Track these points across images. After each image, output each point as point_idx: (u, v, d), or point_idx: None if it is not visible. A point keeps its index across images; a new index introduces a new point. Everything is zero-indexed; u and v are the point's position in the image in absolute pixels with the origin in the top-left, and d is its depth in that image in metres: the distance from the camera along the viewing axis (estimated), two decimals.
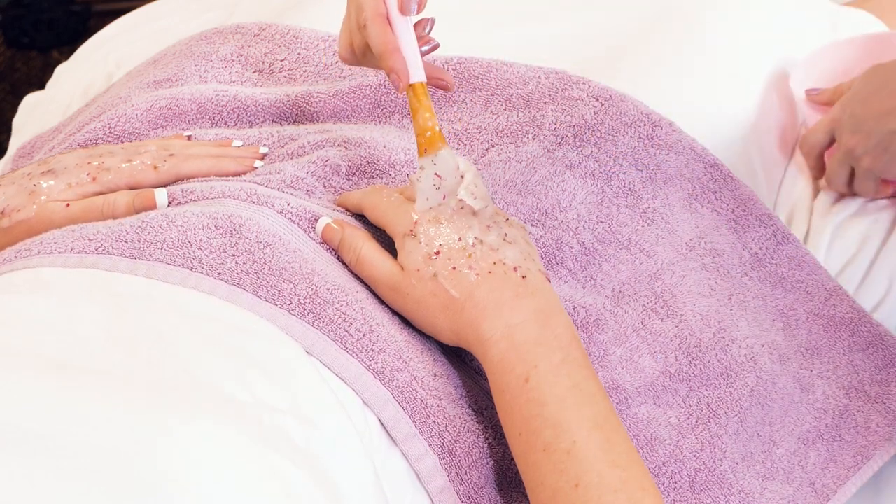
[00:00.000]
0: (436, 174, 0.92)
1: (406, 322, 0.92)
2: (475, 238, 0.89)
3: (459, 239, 0.89)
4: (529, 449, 0.84)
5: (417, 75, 0.94)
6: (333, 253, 0.95)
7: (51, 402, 0.72)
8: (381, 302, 0.92)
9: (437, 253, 0.89)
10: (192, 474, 0.70)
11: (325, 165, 1.03)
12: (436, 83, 0.97)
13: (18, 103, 1.52)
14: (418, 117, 0.93)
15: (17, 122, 1.48)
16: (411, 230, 0.91)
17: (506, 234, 0.90)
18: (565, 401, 0.84)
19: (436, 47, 0.98)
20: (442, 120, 1.14)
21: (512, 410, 0.85)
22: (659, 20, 1.27)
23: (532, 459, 0.84)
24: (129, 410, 0.73)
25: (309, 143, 1.07)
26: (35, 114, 1.46)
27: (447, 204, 0.91)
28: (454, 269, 0.89)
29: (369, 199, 0.96)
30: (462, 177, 0.92)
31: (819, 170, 1.20)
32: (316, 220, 0.96)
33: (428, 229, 0.90)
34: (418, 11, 0.95)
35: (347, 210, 0.99)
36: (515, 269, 0.89)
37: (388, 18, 0.95)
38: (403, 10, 0.94)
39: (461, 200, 0.91)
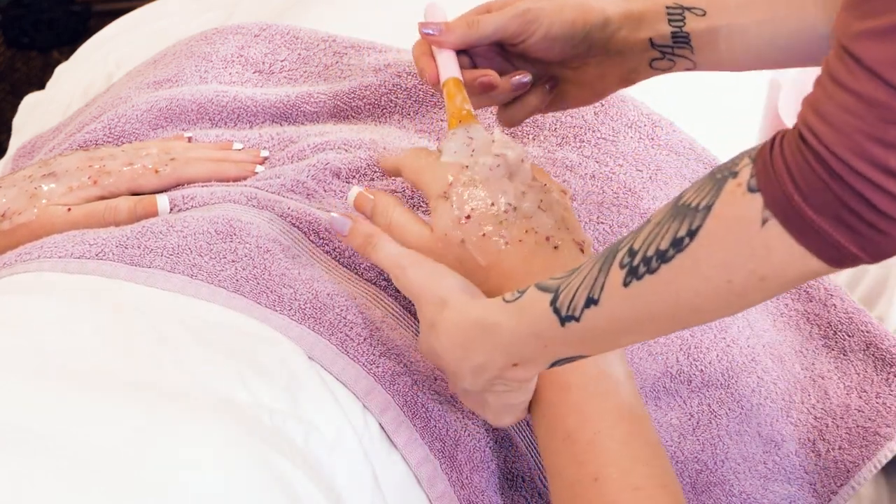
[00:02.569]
0: (469, 137, 0.90)
1: (407, 325, 0.91)
2: (508, 204, 0.87)
3: (492, 204, 0.87)
4: (551, 435, 0.83)
5: (451, 73, 0.94)
6: (332, 256, 0.95)
7: (51, 403, 0.72)
8: (382, 306, 0.92)
9: (468, 217, 0.86)
10: (191, 474, 0.70)
11: (325, 169, 1.03)
12: (481, 79, 0.95)
13: (18, 103, 1.52)
14: (454, 100, 0.92)
15: (17, 122, 1.48)
16: (445, 192, 0.88)
17: (541, 201, 0.88)
18: (589, 388, 0.83)
19: (485, 78, 0.97)
20: (441, 120, 1.14)
21: (536, 392, 0.84)
22: None
23: (553, 446, 0.83)
24: (129, 411, 0.73)
25: (309, 145, 1.06)
26: (35, 114, 1.46)
27: (481, 162, 0.89)
28: (484, 235, 0.86)
29: (407, 160, 0.93)
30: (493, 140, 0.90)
31: None
32: (316, 223, 0.96)
33: (462, 192, 0.87)
34: (440, 36, 0.95)
35: (385, 173, 0.98)
36: (548, 238, 0.86)
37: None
38: (421, 34, 0.96)
39: (497, 156, 0.89)
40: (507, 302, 0.79)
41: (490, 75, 0.95)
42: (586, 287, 0.74)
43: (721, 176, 0.68)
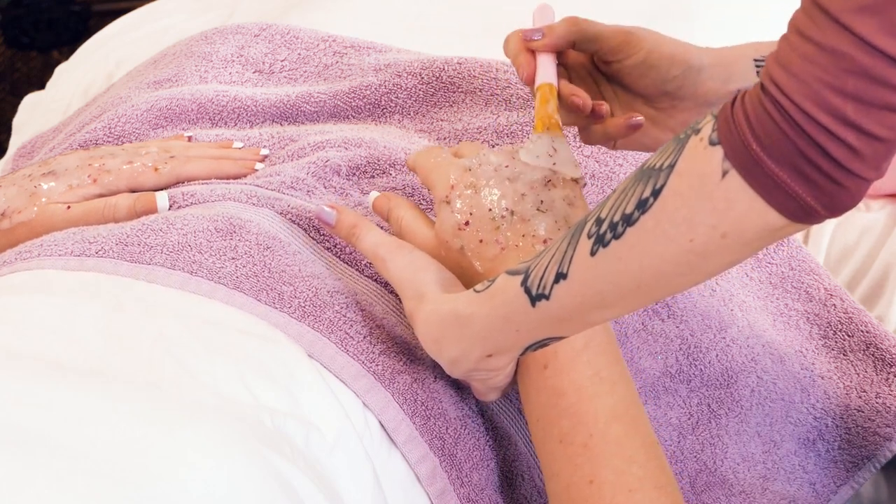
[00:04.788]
0: (553, 147, 0.89)
1: (408, 323, 0.91)
2: (506, 209, 0.87)
3: (490, 209, 0.87)
4: (546, 437, 0.83)
5: (548, 78, 0.92)
6: (333, 253, 0.95)
7: (50, 402, 0.72)
8: (383, 302, 0.92)
9: (467, 224, 0.87)
10: (192, 475, 0.69)
11: (325, 166, 1.03)
12: (573, 98, 0.93)
13: (18, 103, 1.52)
14: (546, 105, 0.90)
15: (17, 122, 1.48)
16: (447, 196, 0.89)
17: (541, 202, 0.88)
18: (583, 391, 0.82)
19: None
20: (442, 120, 1.14)
21: (530, 395, 0.84)
22: (655, 19, 1.27)
23: (548, 448, 0.83)
24: (129, 411, 0.73)
25: (309, 144, 1.06)
26: (35, 114, 1.46)
27: (483, 165, 0.89)
28: (481, 241, 0.87)
29: (420, 159, 0.93)
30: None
31: None
32: (317, 220, 0.96)
33: (462, 197, 0.88)
34: (543, 38, 0.93)
35: (410, 170, 0.98)
36: (545, 241, 0.86)
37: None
38: (525, 39, 0.94)
39: (503, 159, 0.89)
40: (478, 292, 0.80)
41: (583, 97, 0.93)
42: (556, 262, 0.74)
43: (684, 135, 0.68)
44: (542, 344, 0.80)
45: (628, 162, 1.09)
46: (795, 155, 0.64)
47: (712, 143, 0.66)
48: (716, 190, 0.66)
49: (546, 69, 0.93)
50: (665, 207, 0.68)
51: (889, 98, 0.62)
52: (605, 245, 0.71)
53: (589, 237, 0.72)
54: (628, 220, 0.70)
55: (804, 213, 0.65)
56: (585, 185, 0.93)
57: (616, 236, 0.71)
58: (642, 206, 0.69)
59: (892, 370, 1.06)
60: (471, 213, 0.87)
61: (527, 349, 0.80)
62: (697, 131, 0.68)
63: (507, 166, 0.89)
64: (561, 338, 0.80)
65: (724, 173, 0.66)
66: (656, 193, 0.69)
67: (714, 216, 0.67)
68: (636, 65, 0.93)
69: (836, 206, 0.65)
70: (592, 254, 0.72)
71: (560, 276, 0.74)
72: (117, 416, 0.72)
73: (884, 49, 0.61)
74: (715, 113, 0.67)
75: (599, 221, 0.72)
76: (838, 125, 0.62)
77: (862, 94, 0.62)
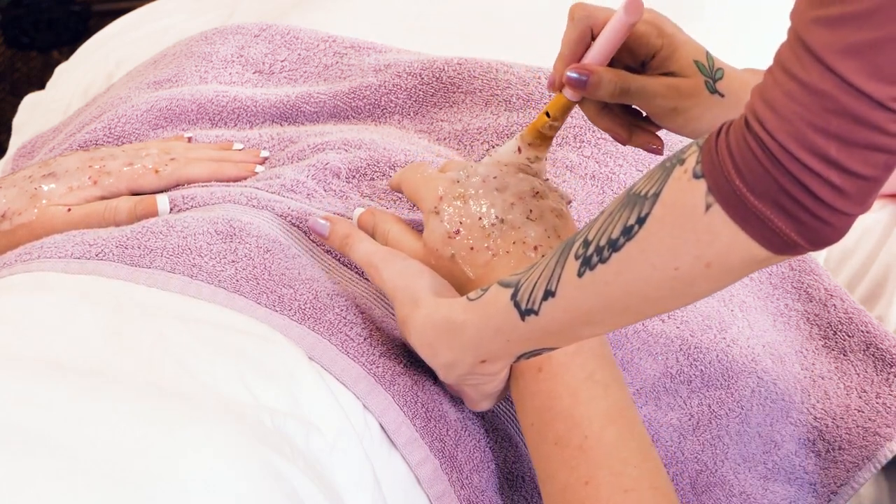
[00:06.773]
0: (528, 160, 0.90)
1: None
2: (496, 217, 0.88)
3: (480, 218, 0.88)
4: (541, 440, 0.83)
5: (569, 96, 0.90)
6: (333, 256, 0.95)
7: (50, 403, 0.72)
8: (383, 305, 0.92)
9: (457, 232, 0.88)
10: (190, 475, 0.69)
11: (325, 169, 1.03)
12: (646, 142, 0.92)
13: (18, 103, 1.52)
14: (545, 117, 0.90)
15: (17, 122, 1.48)
16: (435, 207, 0.89)
17: (531, 211, 0.88)
18: (578, 394, 0.83)
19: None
20: (442, 121, 1.14)
21: (524, 399, 0.85)
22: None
23: (543, 451, 0.83)
24: (129, 411, 0.73)
25: (309, 146, 1.07)
26: (35, 114, 1.46)
27: (472, 176, 0.89)
28: (472, 248, 0.87)
29: (405, 175, 0.94)
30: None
31: None
32: (311, 231, 0.96)
33: (451, 207, 0.89)
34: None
35: (393, 190, 0.98)
36: (536, 248, 0.87)
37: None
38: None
39: (492, 169, 0.89)
40: (471, 300, 0.81)
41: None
42: (545, 279, 0.75)
43: (670, 164, 0.69)
44: (534, 353, 0.80)
45: (628, 162, 1.09)
46: (778, 192, 0.64)
47: (696, 176, 0.67)
48: (699, 222, 0.67)
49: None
50: (649, 236, 0.69)
51: (872, 138, 0.62)
52: (592, 268, 0.72)
53: (576, 258, 0.73)
54: (614, 246, 0.70)
55: (788, 247, 0.65)
56: (571, 201, 0.93)
57: (602, 260, 0.71)
58: (627, 232, 0.70)
59: (893, 370, 1.06)
60: (461, 223, 0.88)
61: (520, 357, 0.81)
62: (682, 161, 0.68)
63: (495, 177, 0.90)
64: (553, 348, 0.80)
65: (708, 206, 0.66)
66: (641, 221, 0.69)
67: (698, 247, 0.67)
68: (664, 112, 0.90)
69: (821, 240, 0.65)
70: (580, 275, 0.73)
71: (549, 294, 0.75)
72: (117, 416, 0.72)
73: (867, 91, 0.61)
74: (700, 143, 0.67)
75: (587, 243, 0.72)
76: (822, 165, 0.62)
77: (845, 135, 0.62)
